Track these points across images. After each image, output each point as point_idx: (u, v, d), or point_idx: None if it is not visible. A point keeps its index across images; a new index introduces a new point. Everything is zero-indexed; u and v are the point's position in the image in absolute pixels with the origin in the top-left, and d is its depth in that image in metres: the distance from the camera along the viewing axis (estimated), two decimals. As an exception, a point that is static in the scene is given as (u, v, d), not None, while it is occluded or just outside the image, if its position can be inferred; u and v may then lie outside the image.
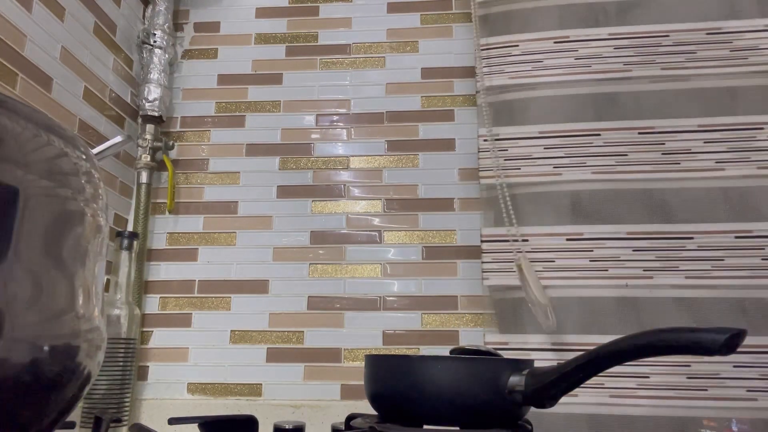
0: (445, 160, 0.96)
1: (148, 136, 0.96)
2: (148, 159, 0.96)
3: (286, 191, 0.97)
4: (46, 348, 0.32)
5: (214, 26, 1.06)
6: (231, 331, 0.91)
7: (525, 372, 0.49)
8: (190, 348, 0.91)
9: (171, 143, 0.98)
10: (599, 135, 0.86)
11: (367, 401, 0.56)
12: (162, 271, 0.95)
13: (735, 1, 0.87)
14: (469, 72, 0.98)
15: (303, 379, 0.89)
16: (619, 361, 0.42)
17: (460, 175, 0.95)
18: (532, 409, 0.51)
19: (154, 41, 0.98)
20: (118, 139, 0.58)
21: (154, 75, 0.97)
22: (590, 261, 0.82)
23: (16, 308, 0.31)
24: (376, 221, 0.95)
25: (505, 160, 0.88)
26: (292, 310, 0.92)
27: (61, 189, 0.35)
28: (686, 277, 0.80)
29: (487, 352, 0.55)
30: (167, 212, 0.97)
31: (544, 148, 0.86)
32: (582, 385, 0.46)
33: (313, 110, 1.01)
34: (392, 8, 1.03)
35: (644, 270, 0.81)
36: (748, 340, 0.41)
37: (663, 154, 0.84)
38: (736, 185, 0.82)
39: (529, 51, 0.91)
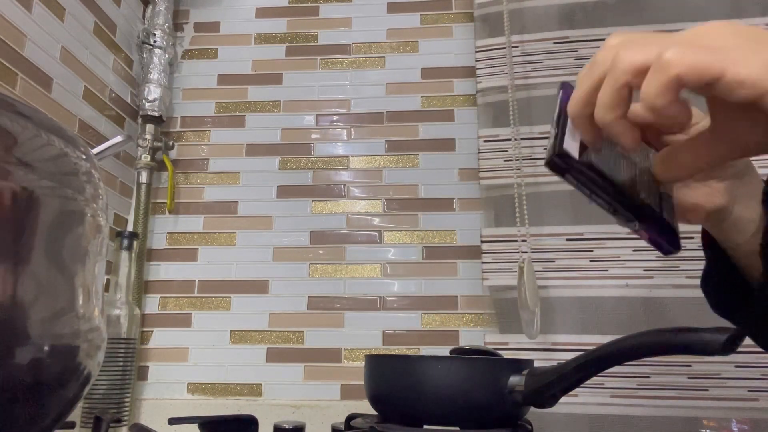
0: (445, 160, 0.96)
1: (148, 136, 0.96)
2: (148, 159, 0.96)
3: (286, 191, 0.97)
4: (46, 348, 0.32)
5: (214, 26, 1.06)
6: (231, 331, 0.91)
7: (525, 372, 0.49)
8: (190, 348, 0.91)
9: (171, 143, 0.98)
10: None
11: (367, 401, 0.56)
12: (162, 271, 0.95)
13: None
14: (469, 72, 0.98)
15: (303, 379, 0.89)
16: (619, 361, 0.42)
17: (460, 175, 0.95)
18: (532, 409, 0.51)
19: (154, 41, 0.98)
20: (118, 139, 0.58)
21: (154, 75, 0.97)
22: (590, 261, 0.82)
23: (17, 308, 0.31)
24: (376, 221, 0.95)
25: (505, 160, 0.88)
26: (292, 310, 0.92)
27: (61, 189, 0.35)
28: (686, 277, 0.80)
29: (487, 352, 0.55)
30: (167, 212, 0.97)
31: (545, 149, 0.86)
32: (582, 385, 0.46)
33: (313, 110, 1.01)
34: (392, 8, 1.03)
35: (644, 270, 0.81)
36: (750, 340, 0.41)
37: (663, 154, 0.84)
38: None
39: (529, 52, 0.91)
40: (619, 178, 0.36)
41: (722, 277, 0.46)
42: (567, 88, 0.38)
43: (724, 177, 0.41)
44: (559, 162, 0.35)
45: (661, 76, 0.28)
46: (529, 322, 0.78)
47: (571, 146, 0.35)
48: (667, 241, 0.36)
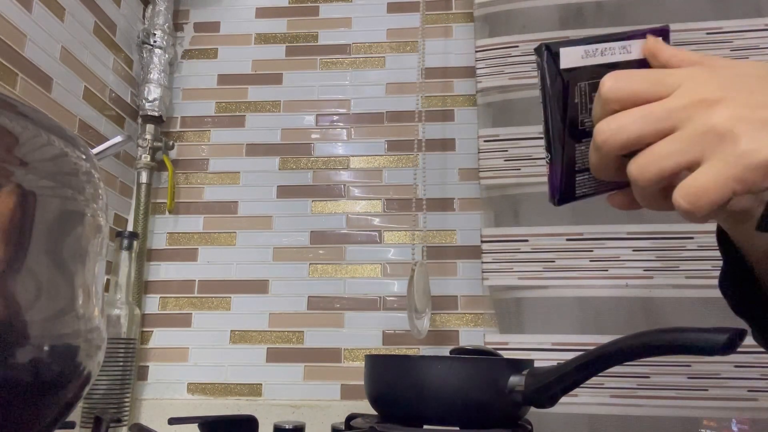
0: (445, 160, 0.96)
1: (148, 136, 0.96)
2: (148, 159, 0.96)
3: (286, 191, 0.97)
4: (46, 348, 0.32)
5: (214, 26, 1.06)
6: (231, 331, 0.91)
7: (525, 372, 0.49)
8: (190, 348, 0.91)
9: (171, 143, 0.98)
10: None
11: (367, 401, 0.56)
12: (162, 271, 0.95)
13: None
14: (469, 72, 0.98)
15: (303, 379, 0.89)
16: (619, 361, 0.42)
17: (460, 175, 0.95)
18: (532, 409, 0.51)
19: (154, 41, 0.98)
20: (118, 139, 0.58)
21: (154, 75, 0.97)
22: (590, 261, 0.82)
23: (17, 308, 0.31)
24: (376, 221, 0.95)
25: (505, 160, 0.88)
26: (292, 310, 0.92)
27: (62, 189, 0.35)
28: (686, 277, 0.80)
29: (487, 352, 0.55)
30: (167, 212, 0.97)
31: (544, 149, 0.86)
32: (582, 385, 0.46)
33: (313, 110, 1.01)
34: (392, 8, 1.03)
35: (644, 270, 0.81)
36: (750, 340, 0.41)
37: (663, 154, 0.84)
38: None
39: (528, 52, 0.91)
40: (571, 115, 0.35)
41: (740, 283, 0.44)
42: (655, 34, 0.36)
43: None
44: (544, 54, 0.34)
45: (699, 201, 0.30)
46: (417, 323, 0.80)
47: (571, 58, 0.34)
48: (559, 190, 0.36)
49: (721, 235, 0.45)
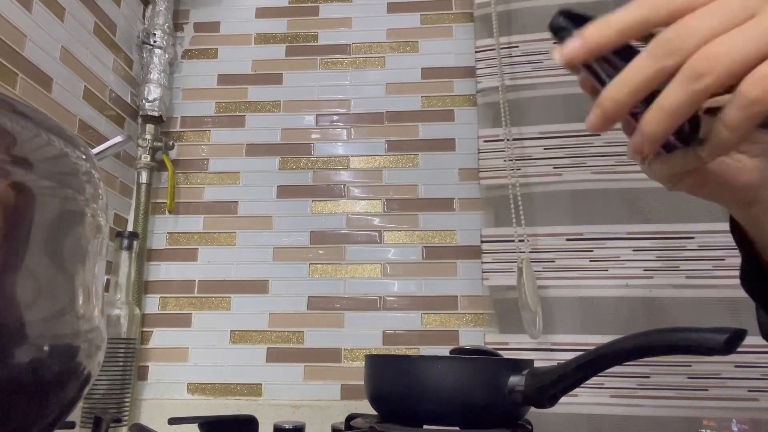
0: (445, 160, 0.96)
1: (148, 136, 0.96)
2: (148, 159, 0.96)
3: (286, 191, 0.97)
4: (46, 348, 0.32)
5: (214, 26, 1.06)
6: (231, 331, 0.91)
7: (525, 372, 0.49)
8: (190, 348, 0.91)
9: (171, 143, 0.98)
10: (599, 135, 0.86)
11: (367, 401, 0.56)
12: (162, 271, 0.95)
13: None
14: (469, 72, 0.98)
15: (303, 379, 0.89)
16: (619, 361, 0.42)
17: (460, 175, 0.95)
18: (532, 409, 0.51)
19: (154, 41, 0.98)
20: (118, 139, 0.58)
21: (154, 75, 0.97)
22: (590, 261, 0.82)
23: (17, 308, 0.31)
24: (376, 221, 0.95)
25: (505, 160, 0.88)
26: (292, 310, 0.92)
27: (61, 189, 0.35)
28: (686, 277, 0.80)
29: (487, 352, 0.55)
30: (167, 212, 0.97)
31: (544, 149, 0.86)
32: (582, 385, 0.46)
33: (313, 110, 1.01)
34: (392, 8, 1.03)
35: (644, 270, 0.81)
36: (750, 340, 0.41)
37: (663, 154, 0.84)
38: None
39: (529, 52, 0.91)
40: None
41: (758, 279, 0.41)
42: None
43: (752, 152, 0.35)
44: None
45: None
46: (531, 322, 0.78)
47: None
48: None
49: (736, 230, 0.41)
